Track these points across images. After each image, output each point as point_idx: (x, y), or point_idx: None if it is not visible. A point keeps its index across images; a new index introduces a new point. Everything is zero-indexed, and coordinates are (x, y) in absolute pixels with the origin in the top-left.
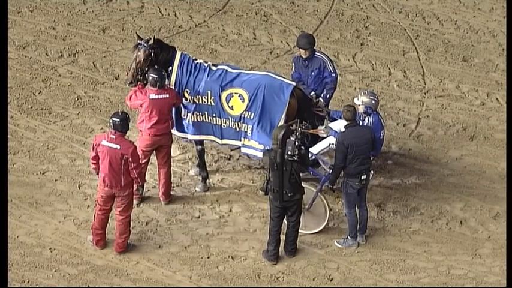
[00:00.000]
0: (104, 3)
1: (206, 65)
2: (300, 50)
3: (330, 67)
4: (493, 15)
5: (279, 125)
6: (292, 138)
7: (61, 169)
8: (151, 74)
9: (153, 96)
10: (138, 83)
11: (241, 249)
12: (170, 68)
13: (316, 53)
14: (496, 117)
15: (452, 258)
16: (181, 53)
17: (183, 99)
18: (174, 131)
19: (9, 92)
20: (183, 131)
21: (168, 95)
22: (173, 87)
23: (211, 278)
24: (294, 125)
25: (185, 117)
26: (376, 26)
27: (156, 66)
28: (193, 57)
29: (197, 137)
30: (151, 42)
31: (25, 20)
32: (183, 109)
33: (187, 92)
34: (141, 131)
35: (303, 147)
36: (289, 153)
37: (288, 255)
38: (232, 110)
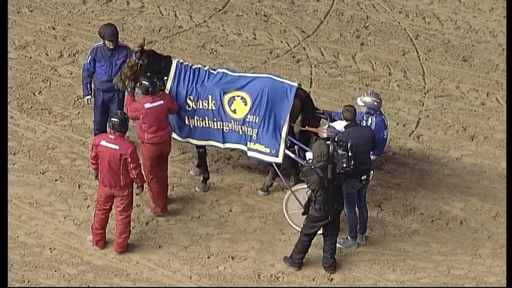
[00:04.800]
0: (104, 3)
1: (205, 69)
2: (107, 41)
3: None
4: (493, 15)
5: (284, 127)
6: (342, 151)
7: (61, 169)
8: (143, 81)
9: (148, 105)
10: (128, 89)
11: (241, 249)
12: (166, 77)
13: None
14: (496, 117)
15: (452, 258)
16: (177, 62)
17: (186, 106)
18: (175, 136)
19: (9, 92)
20: (185, 136)
21: (162, 101)
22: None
23: (211, 278)
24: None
25: (188, 122)
26: (376, 26)
27: (147, 74)
28: (190, 64)
29: (198, 142)
30: (138, 53)
31: (25, 20)
32: (185, 116)
33: (190, 99)
34: (142, 142)
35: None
36: (343, 165)
37: (329, 270)
38: (235, 113)
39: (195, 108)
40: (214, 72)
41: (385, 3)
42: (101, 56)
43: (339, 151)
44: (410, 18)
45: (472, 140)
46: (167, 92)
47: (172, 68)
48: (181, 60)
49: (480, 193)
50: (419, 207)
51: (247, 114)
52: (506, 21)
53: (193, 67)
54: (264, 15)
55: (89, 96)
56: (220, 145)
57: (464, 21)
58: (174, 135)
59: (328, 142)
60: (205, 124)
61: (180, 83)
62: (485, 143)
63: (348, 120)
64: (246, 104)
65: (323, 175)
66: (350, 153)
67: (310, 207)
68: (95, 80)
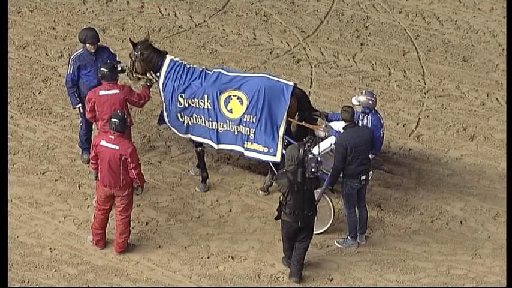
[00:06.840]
0: (104, 3)
1: (201, 68)
2: (88, 45)
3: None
4: (493, 15)
5: (281, 126)
6: (312, 156)
7: (61, 169)
8: (101, 68)
9: (102, 92)
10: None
11: (241, 249)
12: (158, 73)
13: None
14: (496, 117)
15: (452, 258)
16: (171, 59)
17: (178, 103)
18: (175, 131)
19: (9, 92)
20: (185, 132)
21: (118, 91)
22: (162, 91)
23: (211, 278)
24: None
25: (182, 119)
26: (376, 26)
27: (108, 61)
28: (185, 63)
29: (197, 139)
30: (138, 45)
31: (25, 20)
32: (177, 113)
33: (181, 96)
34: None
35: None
36: (312, 170)
37: (293, 279)
38: (231, 113)
39: (188, 106)
40: (210, 73)
41: (385, 3)
42: (86, 63)
43: (309, 155)
44: (410, 18)
45: (472, 140)
46: (161, 87)
47: (165, 64)
48: (176, 58)
49: (480, 193)
50: (419, 207)
51: (243, 114)
52: (506, 21)
53: (188, 66)
54: (264, 15)
55: (80, 105)
56: (215, 145)
57: (464, 21)
58: (173, 130)
59: (302, 146)
60: (202, 123)
61: (171, 80)
62: (485, 143)
63: (347, 121)
64: (242, 104)
65: (293, 179)
66: (320, 158)
67: (282, 212)
68: (82, 88)
